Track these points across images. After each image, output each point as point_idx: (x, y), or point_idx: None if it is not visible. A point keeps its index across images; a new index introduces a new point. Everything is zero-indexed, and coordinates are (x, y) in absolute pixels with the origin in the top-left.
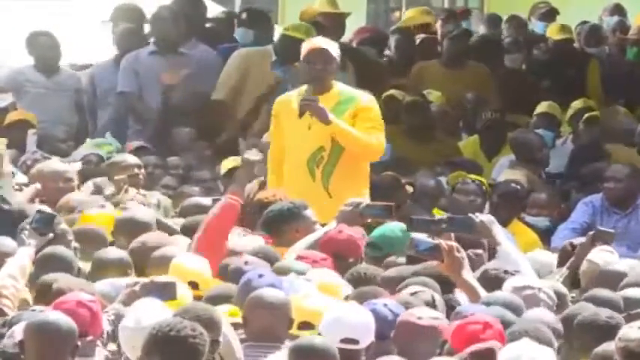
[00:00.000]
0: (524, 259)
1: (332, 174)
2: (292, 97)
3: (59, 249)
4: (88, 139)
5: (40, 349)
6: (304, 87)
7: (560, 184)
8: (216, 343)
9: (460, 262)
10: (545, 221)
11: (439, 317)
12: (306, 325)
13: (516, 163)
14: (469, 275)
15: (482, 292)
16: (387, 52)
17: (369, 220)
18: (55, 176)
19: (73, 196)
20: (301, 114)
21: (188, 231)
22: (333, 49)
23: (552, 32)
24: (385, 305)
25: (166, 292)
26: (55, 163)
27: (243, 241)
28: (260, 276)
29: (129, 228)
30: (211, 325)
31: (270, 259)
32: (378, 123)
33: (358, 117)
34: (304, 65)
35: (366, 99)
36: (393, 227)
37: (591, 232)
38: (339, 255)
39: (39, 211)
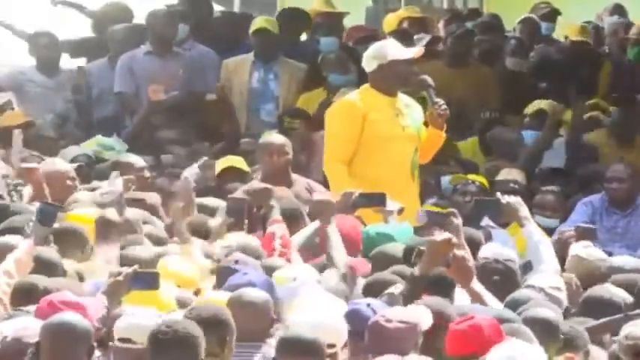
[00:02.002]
0: (548, 244)
1: (417, 175)
2: (378, 98)
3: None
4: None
5: (56, 350)
6: (363, 88)
7: (563, 183)
8: (222, 340)
9: (471, 272)
10: (556, 222)
11: (408, 321)
12: None
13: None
14: (478, 285)
15: (493, 301)
16: None
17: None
18: (61, 175)
19: (80, 195)
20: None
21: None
22: None
23: (571, 32)
24: (368, 305)
25: (149, 281)
26: (58, 162)
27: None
28: (244, 274)
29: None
30: (215, 323)
31: (254, 256)
32: None
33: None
34: (410, 71)
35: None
36: (395, 246)
37: (575, 227)
38: None
39: (45, 203)
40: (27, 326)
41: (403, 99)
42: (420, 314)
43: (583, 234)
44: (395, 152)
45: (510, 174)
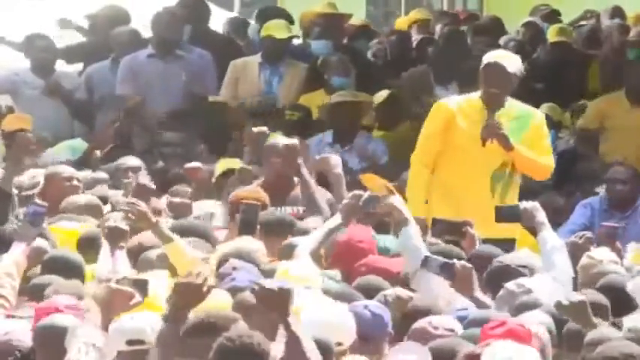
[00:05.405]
0: (563, 251)
1: (509, 190)
2: (465, 105)
3: None
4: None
5: (49, 352)
6: (474, 95)
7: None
8: None
9: (472, 282)
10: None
11: (455, 329)
12: None
13: None
14: (480, 293)
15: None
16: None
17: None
18: (63, 178)
19: (74, 198)
20: (484, 142)
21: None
22: (511, 64)
23: (550, 35)
24: (366, 307)
25: (138, 289)
26: (60, 166)
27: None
28: (232, 279)
29: None
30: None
31: (250, 260)
32: (549, 143)
33: (534, 135)
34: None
35: (540, 116)
36: None
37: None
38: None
39: (34, 203)
40: (18, 328)
41: (515, 111)
42: None
43: (608, 233)
44: (473, 163)
45: None
